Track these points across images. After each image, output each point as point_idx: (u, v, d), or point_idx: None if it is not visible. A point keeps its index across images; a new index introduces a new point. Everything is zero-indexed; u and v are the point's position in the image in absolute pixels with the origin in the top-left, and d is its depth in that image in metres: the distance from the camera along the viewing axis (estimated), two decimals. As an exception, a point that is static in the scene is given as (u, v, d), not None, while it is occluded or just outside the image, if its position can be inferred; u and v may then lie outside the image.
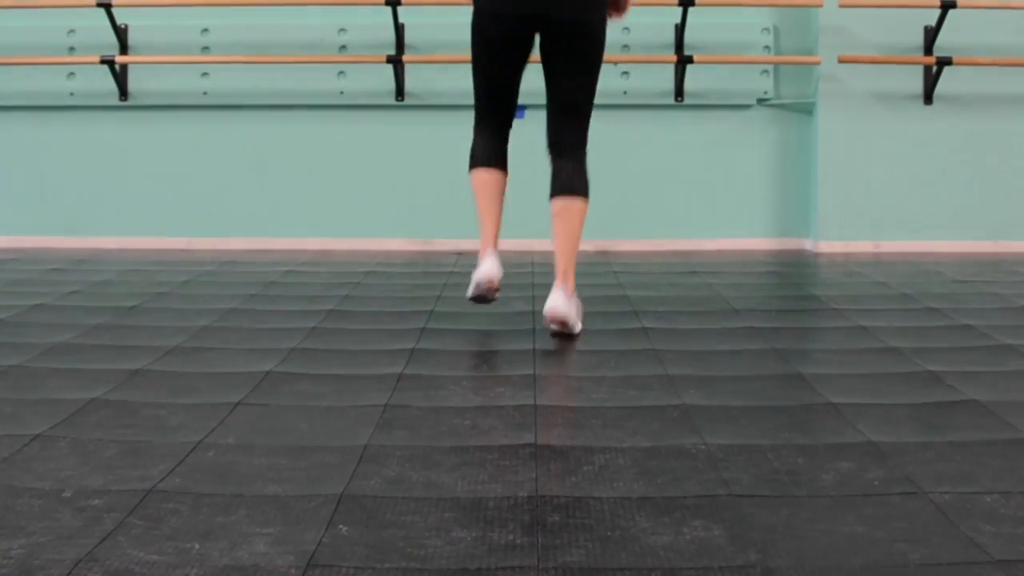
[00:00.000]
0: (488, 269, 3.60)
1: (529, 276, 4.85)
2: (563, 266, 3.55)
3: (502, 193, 3.70)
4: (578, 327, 3.60)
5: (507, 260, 5.40)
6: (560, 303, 3.47)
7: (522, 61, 3.63)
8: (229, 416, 2.65)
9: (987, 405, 2.73)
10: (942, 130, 5.84)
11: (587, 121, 3.63)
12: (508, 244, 5.76)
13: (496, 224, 3.67)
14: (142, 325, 3.78)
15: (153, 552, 1.82)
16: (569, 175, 3.57)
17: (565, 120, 3.60)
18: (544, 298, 4.16)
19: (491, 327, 3.75)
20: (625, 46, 5.80)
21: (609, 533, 1.91)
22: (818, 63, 5.80)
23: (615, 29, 3.64)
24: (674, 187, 6.00)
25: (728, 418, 2.63)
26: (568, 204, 3.55)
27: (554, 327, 3.51)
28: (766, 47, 5.96)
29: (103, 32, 5.89)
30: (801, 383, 2.97)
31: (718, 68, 5.92)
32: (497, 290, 3.68)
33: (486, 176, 3.68)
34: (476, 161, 3.71)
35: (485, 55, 3.62)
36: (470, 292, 3.66)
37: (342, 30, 5.96)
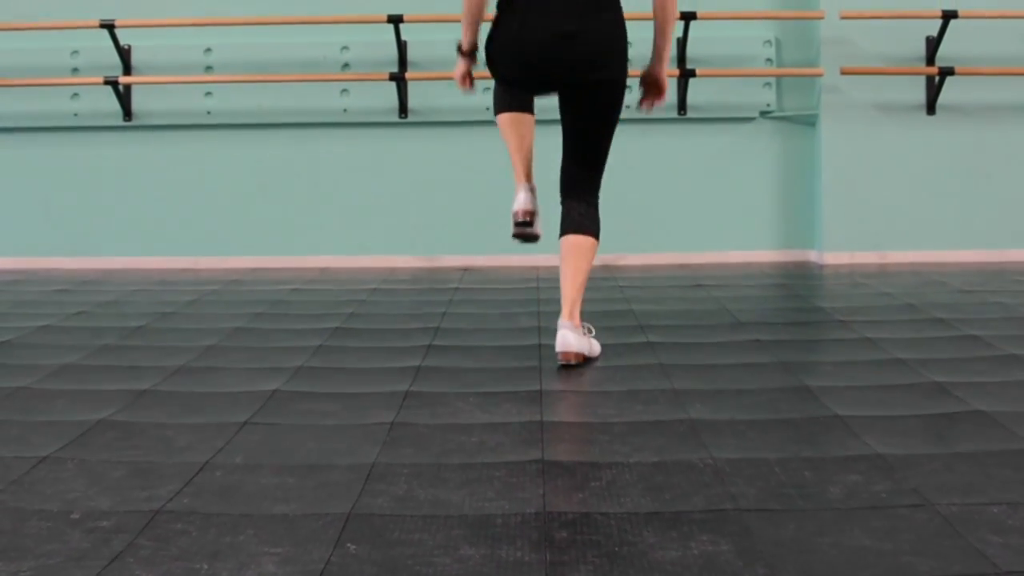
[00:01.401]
0: (521, 201, 3.57)
1: (535, 292, 4.85)
2: (570, 302, 3.48)
3: (531, 131, 3.64)
4: (597, 348, 3.56)
5: (512, 277, 5.42)
6: (571, 339, 3.40)
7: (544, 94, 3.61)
8: (236, 436, 2.65)
9: (993, 416, 2.73)
10: (945, 140, 5.85)
11: (602, 169, 3.58)
12: (513, 260, 5.78)
13: (526, 161, 3.61)
14: (148, 345, 3.79)
15: (161, 573, 1.82)
16: (581, 215, 3.53)
17: (580, 171, 3.54)
18: (550, 312, 4.16)
19: (497, 343, 3.75)
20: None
21: (617, 549, 1.91)
22: (820, 75, 5.81)
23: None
24: (678, 200, 6.01)
25: (735, 432, 2.63)
26: (579, 241, 3.50)
27: (570, 362, 3.40)
28: (768, 60, 5.97)
29: (106, 53, 5.91)
30: (807, 396, 2.97)
31: (721, 81, 5.93)
32: (534, 218, 3.59)
33: (513, 116, 3.61)
34: (501, 106, 3.63)
35: (506, 85, 3.60)
36: (513, 231, 3.63)
37: (344, 48, 5.98)
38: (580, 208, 3.54)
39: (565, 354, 3.39)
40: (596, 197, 3.57)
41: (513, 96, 3.62)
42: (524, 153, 3.63)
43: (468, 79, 3.66)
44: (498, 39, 3.45)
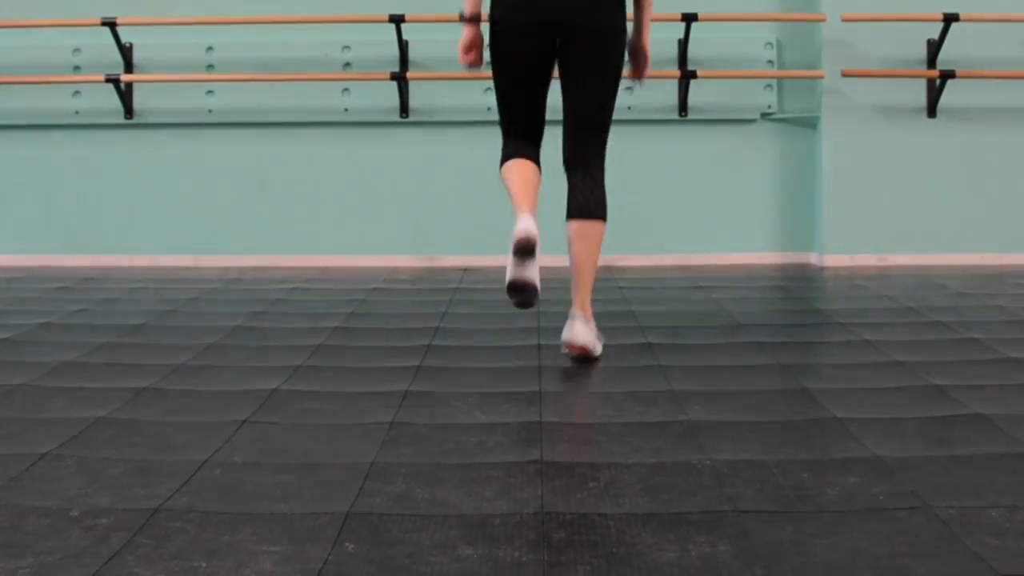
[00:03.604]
0: (523, 226, 3.14)
1: (534, 292, 4.85)
2: (581, 293, 3.41)
3: (536, 180, 3.41)
4: (599, 349, 3.47)
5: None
6: (580, 331, 3.36)
7: (547, 76, 3.46)
8: (235, 434, 2.65)
9: (992, 419, 2.73)
10: (946, 143, 5.85)
11: (605, 136, 3.48)
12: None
13: (529, 196, 3.31)
14: (148, 343, 3.79)
15: (160, 571, 1.83)
16: (586, 195, 3.40)
17: (581, 134, 3.45)
18: (549, 313, 4.16)
19: (497, 343, 3.75)
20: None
21: (615, 550, 1.91)
22: (822, 77, 5.82)
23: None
24: (679, 202, 6.01)
25: (733, 433, 2.63)
26: (585, 228, 3.39)
27: (574, 354, 3.40)
28: (769, 61, 5.98)
29: (108, 51, 5.92)
30: (806, 398, 2.97)
31: (722, 83, 5.93)
32: (535, 246, 3.15)
33: (518, 164, 3.42)
34: (507, 158, 3.46)
35: (509, 73, 3.45)
36: (508, 274, 3.17)
37: (346, 47, 5.98)
38: (586, 185, 3.41)
39: (570, 345, 3.37)
40: (602, 170, 3.46)
41: (519, 148, 3.47)
42: (527, 189, 3.35)
43: (474, 50, 3.53)
44: None
